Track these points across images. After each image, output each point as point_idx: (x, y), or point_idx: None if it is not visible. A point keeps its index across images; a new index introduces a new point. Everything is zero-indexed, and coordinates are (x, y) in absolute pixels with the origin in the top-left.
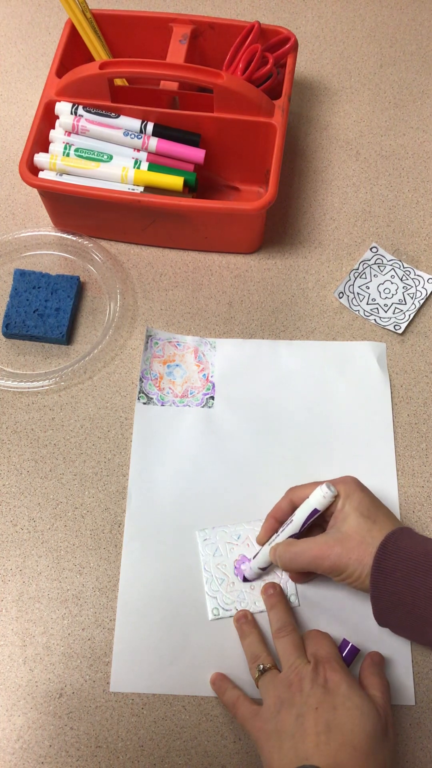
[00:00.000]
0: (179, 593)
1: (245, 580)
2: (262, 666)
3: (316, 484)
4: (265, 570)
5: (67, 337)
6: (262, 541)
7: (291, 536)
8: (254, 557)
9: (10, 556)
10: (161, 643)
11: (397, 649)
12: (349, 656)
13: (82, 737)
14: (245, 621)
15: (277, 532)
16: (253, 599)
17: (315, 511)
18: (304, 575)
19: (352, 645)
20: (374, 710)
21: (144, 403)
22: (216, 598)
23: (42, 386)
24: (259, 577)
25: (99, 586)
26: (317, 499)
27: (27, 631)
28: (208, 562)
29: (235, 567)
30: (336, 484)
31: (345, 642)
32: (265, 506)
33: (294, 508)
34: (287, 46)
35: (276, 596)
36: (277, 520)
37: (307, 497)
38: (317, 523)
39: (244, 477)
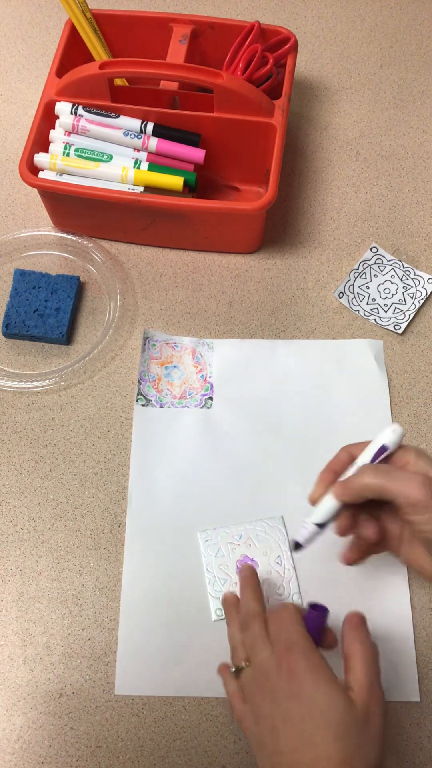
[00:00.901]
0: (182, 595)
1: (297, 547)
2: (233, 668)
3: (370, 442)
4: (322, 528)
5: (67, 337)
6: (316, 498)
7: None
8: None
9: (10, 556)
10: (165, 645)
11: (400, 644)
12: (317, 622)
13: (82, 737)
14: (228, 605)
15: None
16: None
17: (384, 448)
18: (352, 519)
19: (318, 608)
20: (343, 702)
21: (143, 405)
22: (219, 598)
23: (42, 386)
24: (313, 539)
25: (99, 586)
26: (387, 436)
27: (27, 631)
28: (210, 562)
29: (238, 567)
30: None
31: (312, 609)
32: (266, 506)
33: (353, 459)
34: (287, 46)
35: (244, 579)
36: (336, 472)
37: (366, 448)
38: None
39: (244, 477)
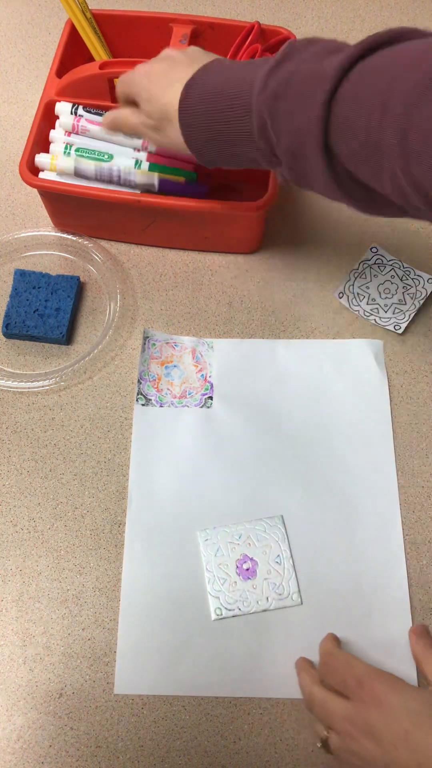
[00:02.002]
0: (181, 594)
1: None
2: (319, 744)
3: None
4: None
5: (67, 337)
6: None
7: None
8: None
9: (10, 556)
10: (164, 644)
11: (400, 646)
12: None
13: (82, 737)
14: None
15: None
16: (255, 598)
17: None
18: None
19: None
20: (429, 694)
21: (143, 405)
22: (219, 598)
23: (42, 386)
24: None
25: (99, 586)
26: None
27: (27, 631)
28: (210, 562)
29: (237, 566)
30: None
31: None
32: (265, 505)
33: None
34: None
35: (298, 668)
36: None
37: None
38: None
39: (243, 476)
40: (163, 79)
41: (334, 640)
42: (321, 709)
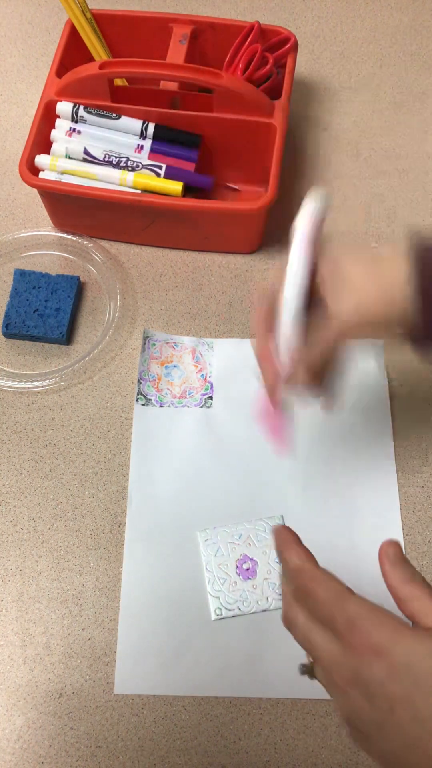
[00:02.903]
0: (181, 594)
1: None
2: (302, 667)
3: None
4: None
5: (67, 337)
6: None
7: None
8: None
9: (10, 556)
10: (164, 644)
11: None
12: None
13: (82, 737)
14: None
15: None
16: (255, 598)
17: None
18: (318, 375)
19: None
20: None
21: (143, 405)
22: (219, 598)
23: (42, 386)
24: (281, 400)
25: (99, 586)
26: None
27: (27, 631)
28: (210, 562)
29: (237, 566)
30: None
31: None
32: (265, 505)
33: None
34: (287, 46)
35: (282, 542)
36: (266, 322)
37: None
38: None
39: (244, 476)
40: None
41: (305, 551)
42: (302, 638)
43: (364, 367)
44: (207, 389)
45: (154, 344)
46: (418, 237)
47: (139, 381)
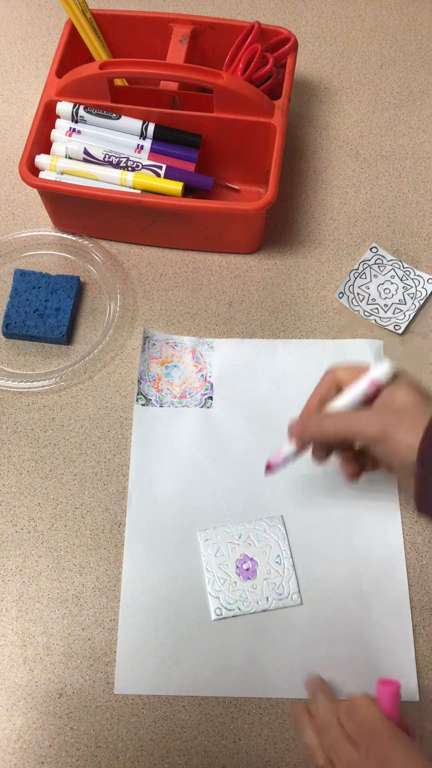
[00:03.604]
0: (181, 594)
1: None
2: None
3: (361, 366)
4: (296, 456)
5: (67, 337)
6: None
7: None
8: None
9: (10, 556)
10: (164, 644)
11: (400, 644)
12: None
13: (82, 737)
14: (297, 712)
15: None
16: (255, 598)
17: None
18: (326, 451)
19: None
20: None
21: (143, 405)
22: (219, 598)
23: (42, 386)
24: (284, 465)
25: (99, 586)
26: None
27: (27, 631)
28: (210, 562)
29: (237, 566)
30: None
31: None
32: (265, 505)
33: (339, 387)
34: (287, 46)
35: (316, 684)
36: (323, 400)
37: (356, 377)
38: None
39: (244, 476)
40: None
41: (327, 694)
42: (329, 742)
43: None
44: (207, 389)
45: (154, 344)
46: None
47: (139, 381)
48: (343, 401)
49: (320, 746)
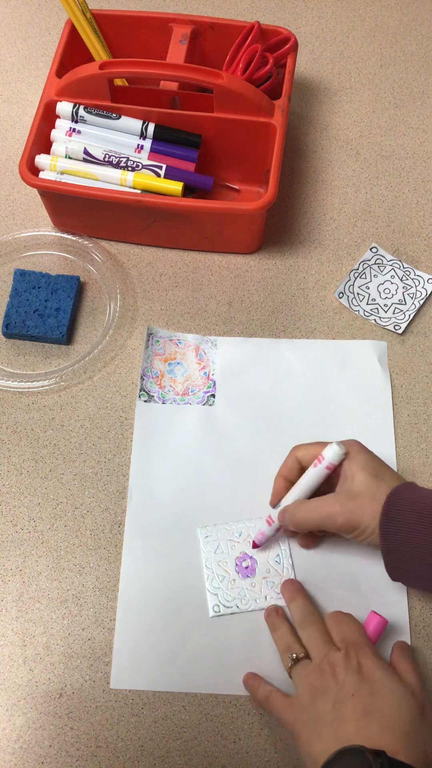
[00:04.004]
0: (180, 590)
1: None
2: (294, 655)
3: (321, 443)
4: (276, 533)
5: (67, 337)
6: (274, 503)
7: (303, 496)
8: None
9: (10, 556)
10: (162, 640)
11: (395, 634)
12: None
13: (82, 737)
14: (275, 615)
15: (288, 492)
16: (254, 596)
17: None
18: (312, 538)
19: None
20: (410, 693)
21: (145, 401)
22: (217, 595)
23: (42, 386)
24: (269, 542)
25: (99, 586)
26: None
27: (27, 631)
28: (209, 559)
29: (236, 564)
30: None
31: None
32: (266, 504)
33: (301, 466)
34: (287, 46)
35: (295, 590)
36: (287, 479)
37: (315, 456)
38: (323, 490)
39: (245, 474)
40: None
41: (306, 598)
42: (310, 636)
43: (368, 368)
44: (210, 387)
45: (157, 341)
46: (402, 485)
47: (142, 377)
48: (300, 489)
49: (296, 641)
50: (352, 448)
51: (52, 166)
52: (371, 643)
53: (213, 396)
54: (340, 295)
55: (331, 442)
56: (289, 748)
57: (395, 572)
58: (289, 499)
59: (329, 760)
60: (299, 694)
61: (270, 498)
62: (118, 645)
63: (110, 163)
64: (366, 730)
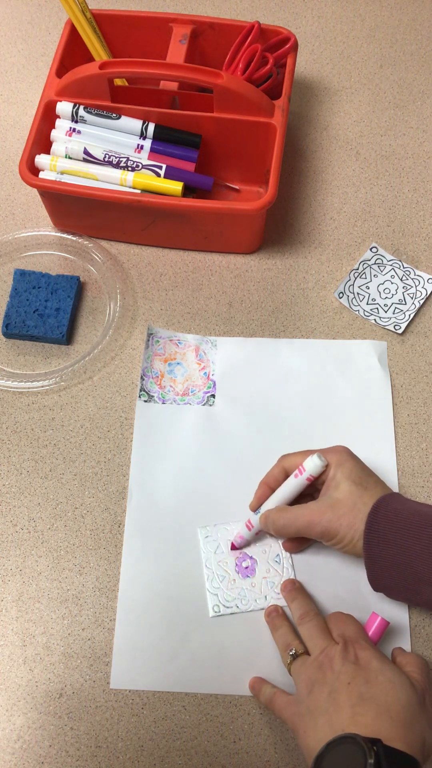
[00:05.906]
0: (180, 590)
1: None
2: (293, 651)
3: (308, 452)
4: (255, 537)
5: (67, 337)
6: (254, 508)
7: (282, 503)
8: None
9: (10, 556)
10: (162, 640)
11: (397, 643)
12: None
13: (82, 737)
14: (276, 614)
15: (268, 498)
16: (254, 596)
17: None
18: (297, 543)
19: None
20: (408, 682)
21: (145, 401)
22: (217, 595)
23: (42, 386)
24: (248, 544)
25: (99, 586)
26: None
27: (27, 631)
28: (209, 559)
29: (237, 564)
30: (328, 453)
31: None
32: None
33: (286, 475)
34: (287, 46)
35: (295, 590)
36: (270, 487)
37: (299, 465)
38: (307, 492)
39: (245, 474)
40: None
41: (306, 596)
42: (309, 631)
43: (368, 368)
44: (210, 387)
45: (158, 341)
46: (386, 495)
47: (142, 377)
48: (279, 497)
49: (296, 638)
50: (340, 455)
51: (52, 166)
52: (369, 639)
53: (213, 396)
54: (340, 295)
55: (314, 454)
56: (289, 748)
57: (376, 583)
58: (268, 505)
59: (324, 748)
60: (298, 689)
61: (251, 501)
62: (118, 645)
63: (110, 163)
64: (361, 716)
